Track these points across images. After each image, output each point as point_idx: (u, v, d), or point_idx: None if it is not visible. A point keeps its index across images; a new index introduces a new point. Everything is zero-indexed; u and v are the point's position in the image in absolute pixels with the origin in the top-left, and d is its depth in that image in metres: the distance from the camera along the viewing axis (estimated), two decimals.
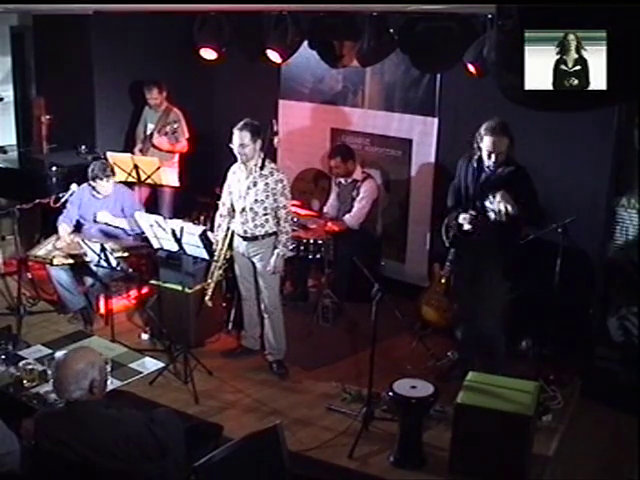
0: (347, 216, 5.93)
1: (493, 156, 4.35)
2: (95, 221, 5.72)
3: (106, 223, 5.70)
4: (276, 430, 3.07)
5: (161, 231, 4.78)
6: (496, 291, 4.57)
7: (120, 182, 5.90)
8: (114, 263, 5.06)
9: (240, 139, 4.67)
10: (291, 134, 6.82)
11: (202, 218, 6.04)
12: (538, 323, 5.01)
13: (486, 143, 4.35)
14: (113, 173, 5.65)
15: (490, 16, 4.53)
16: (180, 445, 3.09)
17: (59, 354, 3.04)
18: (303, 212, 6.10)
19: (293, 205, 5.77)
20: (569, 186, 5.11)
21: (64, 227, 5.65)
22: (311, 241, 5.67)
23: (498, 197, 4.23)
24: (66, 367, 2.89)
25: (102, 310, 5.67)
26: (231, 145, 4.72)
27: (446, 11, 4.94)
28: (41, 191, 5.94)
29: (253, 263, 4.94)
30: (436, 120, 5.85)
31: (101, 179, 5.54)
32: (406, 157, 6.10)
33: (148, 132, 6.62)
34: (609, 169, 4.59)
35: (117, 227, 5.71)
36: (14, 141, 7.69)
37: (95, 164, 5.64)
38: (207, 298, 5.13)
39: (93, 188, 5.63)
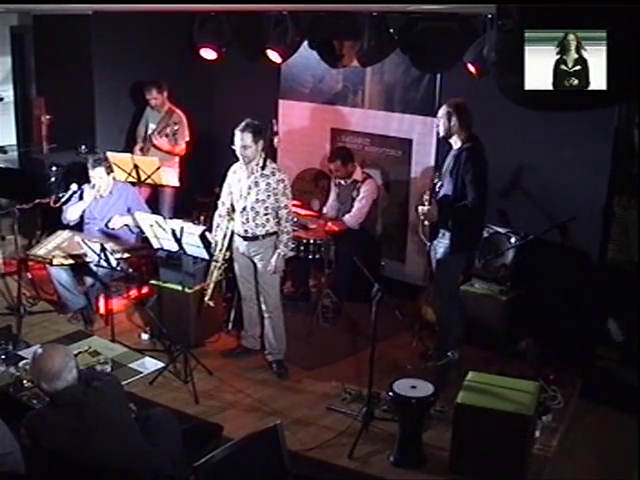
0: (347, 216, 5.93)
1: None
2: (105, 225, 5.72)
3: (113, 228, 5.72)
4: (276, 430, 3.07)
5: (161, 231, 4.78)
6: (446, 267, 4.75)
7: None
8: (114, 263, 5.06)
9: (242, 140, 4.64)
10: (291, 134, 6.82)
11: (202, 218, 6.03)
12: (538, 323, 5.01)
13: None
14: (105, 166, 5.63)
15: (490, 16, 4.53)
16: (177, 442, 3.10)
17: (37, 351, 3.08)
18: (303, 212, 6.09)
19: (293, 205, 5.77)
20: (569, 186, 5.11)
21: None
22: (311, 241, 5.67)
23: None
24: (48, 361, 2.95)
25: (102, 310, 5.67)
26: (233, 147, 4.70)
27: (446, 11, 4.94)
28: (41, 191, 5.95)
29: (253, 263, 4.93)
30: (436, 120, 5.83)
31: (92, 170, 5.56)
32: (406, 157, 6.10)
33: (149, 132, 6.62)
34: (609, 169, 4.59)
35: (121, 226, 5.72)
36: (14, 141, 7.71)
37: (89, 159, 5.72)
38: (207, 298, 5.14)
39: (93, 186, 5.65)
